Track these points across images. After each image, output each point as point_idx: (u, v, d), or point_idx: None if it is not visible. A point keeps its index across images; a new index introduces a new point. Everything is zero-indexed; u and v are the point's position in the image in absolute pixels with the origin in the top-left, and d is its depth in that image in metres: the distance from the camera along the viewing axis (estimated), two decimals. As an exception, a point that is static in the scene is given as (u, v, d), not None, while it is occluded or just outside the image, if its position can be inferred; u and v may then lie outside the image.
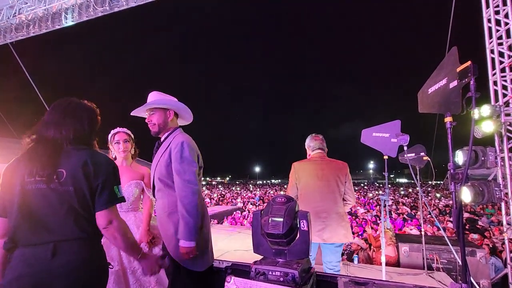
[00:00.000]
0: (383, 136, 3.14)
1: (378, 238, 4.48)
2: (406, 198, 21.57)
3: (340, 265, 2.70)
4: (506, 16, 4.10)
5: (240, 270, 1.95)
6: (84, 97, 1.44)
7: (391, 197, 19.01)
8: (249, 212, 12.02)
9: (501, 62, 4.11)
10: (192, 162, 1.78)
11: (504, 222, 3.98)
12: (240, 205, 15.89)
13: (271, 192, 30.03)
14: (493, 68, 4.16)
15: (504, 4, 4.14)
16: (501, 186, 3.63)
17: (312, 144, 2.84)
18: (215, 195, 23.94)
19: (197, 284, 1.80)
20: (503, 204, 3.90)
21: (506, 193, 3.79)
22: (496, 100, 4.09)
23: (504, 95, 4.04)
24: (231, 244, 4.35)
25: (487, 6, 4.28)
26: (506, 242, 3.92)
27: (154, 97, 1.95)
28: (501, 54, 4.14)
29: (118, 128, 2.39)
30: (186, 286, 1.79)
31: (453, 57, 1.75)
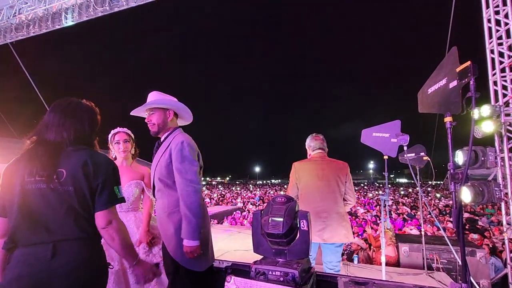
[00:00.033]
0: (383, 136, 3.14)
1: (378, 238, 4.48)
2: (406, 198, 21.57)
3: (340, 265, 2.70)
4: (506, 16, 4.10)
5: (240, 270, 1.95)
6: (84, 97, 1.44)
7: (391, 197, 19.01)
8: (249, 212, 12.02)
9: (501, 62, 4.11)
10: (193, 161, 1.78)
11: (504, 222, 3.98)
12: (240, 205, 15.89)
13: (271, 192, 30.03)
14: (493, 68, 4.16)
15: (504, 4, 4.14)
16: (501, 186, 3.63)
17: (313, 144, 2.84)
18: (215, 195, 23.94)
19: (197, 284, 1.80)
20: (503, 204, 3.90)
21: (506, 193, 3.79)
22: (496, 100, 4.09)
23: (504, 95, 4.04)
24: (231, 244, 4.35)
25: (487, 6, 4.28)
26: (506, 242, 3.92)
27: (154, 97, 1.95)
28: (501, 54, 4.14)
29: (118, 128, 2.39)
30: (186, 286, 1.79)
31: (453, 57, 1.75)
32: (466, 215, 9.45)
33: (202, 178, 1.90)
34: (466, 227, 7.25)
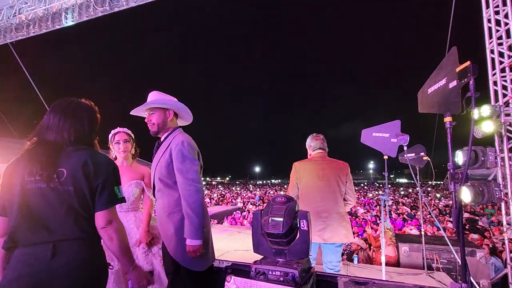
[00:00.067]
0: (383, 136, 3.14)
1: (378, 238, 4.48)
2: (406, 198, 21.57)
3: (340, 265, 2.70)
4: (506, 16, 4.11)
5: (240, 269, 1.95)
6: (84, 97, 1.44)
7: (391, 197, 19.02)
8: (249, 212, 12.02)
9: (501, 62, 4.11)
10: (194, 161, 1.79)
11: (504, 222, 3.98)
12: (240, 205, 15.89)
13: (271, 192, 30.03)
14: (493, 68, 4.16)
15: (504, 4, 4.14)
16: (501, 186, 3.63)
17: (313, 144, 2.84)
18: (215, 195, 23.94)
19: (197, 283, 1.80)
20: (503, 204, 3.90)
21: (506, 193, 3.79)
22: (496, 100, 4.09)
23: (504, 95, 4.04)
24: (231, 244, 4.35)
25: (487, 6, 4.28)
26: (506, 242, 3.92)
27: (154, 96, 1.95)
28: (501, 54, 4.14)
29: (118, 128, 2.39)
30: (186, 286, 1.79)
31: (453, 57, 1.75)
32: (466, 215, 9.45)
33: (202, 178, 1.90)
34: (466, 227, 7.25)
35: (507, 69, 4.07)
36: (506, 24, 4.10)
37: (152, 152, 1.98)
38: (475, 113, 1.65)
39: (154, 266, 2.14)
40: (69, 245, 1.18)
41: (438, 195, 22.96)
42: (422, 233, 3.94)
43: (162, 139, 1.93)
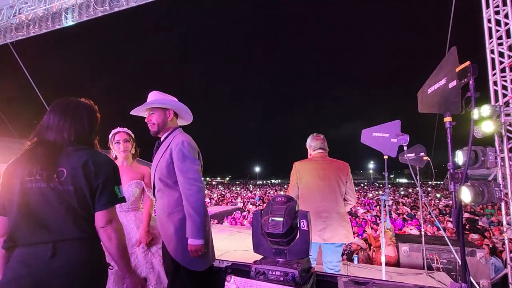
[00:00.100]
0: (383, 136, 3.15)
1: (378, 238, 4.48)
2: (406, 198, 21.57)
3: (340, 265, 2.70)
4: (506, 16, 4.10)
5: (240, 269, 1.95)
6: (84, 96, 1.44)
7: (391, 197, 19.02)
8: (249, 212, 12.02)
9: (501, 62, 4.11)
10: (195, 160, 1.79)
11: (504, 222, 3.98)
12: (240, 205, 15.90)
13: (271, 192, 30.03)
14: (493, 68, 4.16)
15: (504, 4, 4.14)
16: (501, 186, 3.63)
17: (313, 144, 2.84)
18: (215, 195, 23.94)
19: (197, 283, 1.80)
20: (503, 204, 3.90)
21: (506, 193, 3.79)
22: (496, 100, 4.09)
23: (504, 95, 4.04)
24: (231, 244, 4.36)
25: (487, 6, 4.28)
26: (506, 242, 3.92)
27: (154, 96, 1.95)
28: (501, 54, 4.14)
29: (118, 128, 2.39)
30: (186, 285, 1.79)
31: (453, 57, 1.75)
32: (466, 215, 9.45)
33: (202, 178, 1.90)
34: (466, 227, 7.25)
35: (507, 69, 4.07)
36: (506, 24, 4.10)
37: (152, 152, 1.98)
38: (475, 113, 1.65)
39: (154, 266, 2.14)
40: (68, 245, 1.18)
41: (438, 195, 22.97)
42: (422, 233, 3.94)
43: (162, 139, 1.93)
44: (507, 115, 3.93)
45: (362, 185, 58.96)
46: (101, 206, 1.25)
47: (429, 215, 9.11)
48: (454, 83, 1.70)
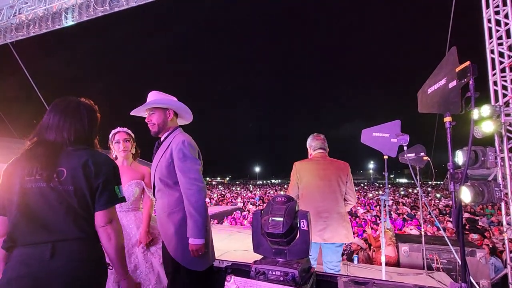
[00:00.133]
0: (383, 136, 3.15)
1: (378, 238, 4.48)
2: (406, 198, 21.58)
3: (340, 265, 2.70)
4: (506, 16, 4.10)
5: (240, 269, 1.95)
6: (84, 97, 1.44)
7: (391, 197, 19.02)
8: (249, 212, 12.02)
9: (501, 62, 4.11)
10: (195, 160, 1.79)
11: (504, 222, 3.98)
12: (240, 205, 15.90)
13: (271, 192, 30.03)
14: (493, 68, 4.16)
15: (504, 4, 4.14)
16: (501, 186, 3.63)
17: (314, 144, 2.84)
18: (215, 195, 23.94)
19: (197, 283, 1.80)
20: (503, 204, 3.90)
21: (506, 193, 3.79)
22: (496, 100, 4.09)
23: (504, 95, 4.04)
24: (231, 244, 4.36)
25: (487, 6, 4.28)
26: (506, 242, 3.92)
27: (153, 96, 1.95)
28: (501, 54, 4.14)
29: (118, 127, 2.40)
30: (185, 285, 1.79)
31: (453, 57, 1.75)
32: (466, 215, 9.45)
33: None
34: (466, 227, 7.25)
35: (507, 69, 4.07)
36: (506, 24, 4.10)
37: (152, 152, 1.98)
38: (475, 113, 1.64)
39: (153, 266, 2.14)
40: (68, 245, 1.18)
41: (438, 195, 22.98)
42: (422, 233, 3.94)
43: (162, 139, 1.93)
44: (507, 115, 3.93)
45: (362, 185, 58.98)
46: (101, 206, 1.25)
47: (429, 215, 9.11)
48: (454, 83, 1.70)
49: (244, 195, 25.07)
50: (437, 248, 3.81)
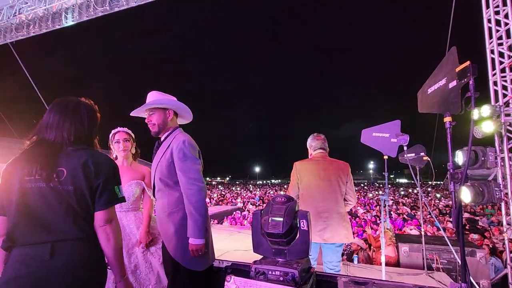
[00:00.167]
0: (383, 136, 3.14)
1: (378, 238, 4.48)
2: (406, 198, 21.58)
3: (340, 265, 2.70)
4: (506, 16, 4.10)
5: (240, 269, 1.95)
6: (84, 96, 1.44)
7: (391, 197, 19.02)
8: (249, 212, 12.02)
9: (501, 63, 4.11)
10: (196, 160, 1.79)
11: (504, 222, 3.98)
12: (240, 205, 15.90)
13: (271, 192, 30.03)
14: (493, 68, 4.16)
15: (504, 4, 4.14)
16: (501, 186, 3.63)
17: (314, 144, 2.84)
18: (215, 195, 23.94)
19: (197, 283, 1.80)
20: (503, 204, 3.90)
21: (506, 193, 3.79)
22: (496, 100, 4.09)
23: (504, 95, 4.04)
24: (231, 244, 4.36)
25: (487, 6, 4.28)
26: (506, 242, 3.92)
27: (153, 97, 1.95)
28: (501, 55, 4.13)
29: (118, 127, 2.40)
30: (185, 285, 1.79)
31: (453, 57, 1.75)
32: (466, 215, 9.45)
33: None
34: (466, 227, 7.25)
35: (507, 69, 4.07)
36: (506, 24, 4.10)
37: (152, 152, 1.98)
38: (475, 113, 1.64)
39: (153, 266, 2.14)
40: (67, 245, 1.17)
41: (438, 195, 22.98)
42: (422, 233, 3.94)
43: (162, 139, 1.93)
44: (507, 115, 3.93)
45: (362, 185, 59.00)
46: (101, 206, 1.25)
47: (429, 215, 9.11)
48: (454, 83, 1.70)
49: (244, 195, 25.08)
50: (437, 248, 3.81)
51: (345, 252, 5.17)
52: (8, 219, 1.19)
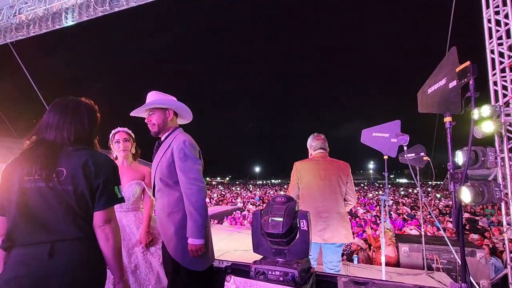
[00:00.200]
0: (383, 136, 3.14)
1: (378, 238, 4.48)
2: (406, 198, 21.58)
3: (340, 265, 2.70)
4: (506, 16, 4.10)
5: (240, 269, 1.95)
6: (84, 96, 1.44)
7: (391, 197, 19.02)
8: (249, 212, 12.02)
9: (501, 63, 4.11)
10: (196, 160, 1.79)
11: (504, 223, 3.98)
12: (240, 205, 15.90)
13: (271, 192, 30.03)
14: (493, 68, 4.16)
15: (504, 4, 4.14)
16: (501, 186, 3.63)
17: (314, 144, 2.84)
18: (215, 195, 23.94)
19: (196, 283, 1.80)
20: (503, 204, 3.90)
21: (506, 193, 3.79)
22: (496, 100, 4.09)
23: (504, 95, 4.04)
24: (231, 244, 4.36)
25: (487, 7, 4.28)
26: (506, 242, 3.92)
27: (153, 96, 1.95)
28: (501, 55, 4.13)
29: (118, 127, 2.40)
30: (185, 285, 1.79)
31: (453, 57, 1.75)
32: (466, 215, 9.45)
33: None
34: (466, 227, 7.25)
35: (507, 69, 4.07)
36: (506, 24, 4.10)
37: (152, 152, 1.98)
38: (475, 113, 1.64)
39: (153, 266, 2.14)
40: (67, 245, 1.17)
41: (438, 195, 22.99)
42: (422, 233, 3.94)
43: (162, 139, 1.93)
44: (507, 115, 3.93)
45: (362, 185, 59.00)
46: (100, 206, 1.25)
47: (429, 215, 9.11)
48: (454, 83, 1.70)
49: (244, 195, 25.08)
50: (437, 248, 3.81)
51: (345, 252, 5.17)
52: (7, 219, 1.19)
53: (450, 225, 7.78)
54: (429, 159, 3.47)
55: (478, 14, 4.37)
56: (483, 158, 3.53)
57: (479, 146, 3.61)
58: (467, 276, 1.56)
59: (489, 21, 4.25)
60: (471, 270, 2.73)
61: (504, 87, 4.06)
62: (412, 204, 16.12)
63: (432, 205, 15.04)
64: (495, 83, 4.12)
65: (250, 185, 57.26)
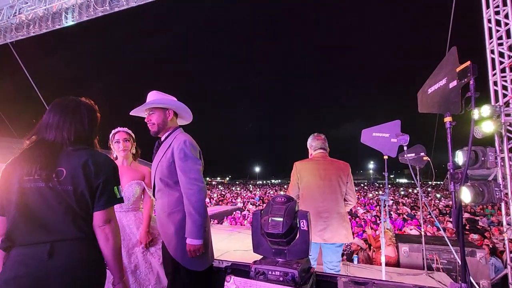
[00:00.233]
0: (383, 136, 3.14)
1: (378, 238, 4.48)
2: (406, 198, 21.59)
3: (340, 265, 2.70)
4: (506, 16, 4.10)
5: (240, 269, 1.95)
6: (84, 96, 1.44)
7: (391, 198, 19.02)
8: (249, 212, 12.02)
9: (501, 63, 4.11)
10: (196, 160, 1.79)
11: (504, 223, 3.98)
12: (240, 205, 15.90)
13: (271, 192, 30.04)
14: (493, 68, 4.16)
15: (504, 4, 4.14)
16: (501, 186, 3.63)
17: (314, 144, 2.84)
18: (215, 195, 23.94)
19: (196, 283, 1.80)
20: (503, 204, 3.89)
21: (506, 193, 3.79)
22: (496, 100, 4.09)
23: (504, 95, 4.04)
24: (231, 244, 4.35)
25: (487, 7, 4.28)
26: (506, 242, 3.92)
27: (153, 96, 1.95)
28: (501, 55, 4.13)
29: (118, 127, 2.40)
30: (185, 285, 1.79)
31: (453, 57, 1.75)
32: (466, 215, 9.45)
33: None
34: (466, 227, 7.24)
35: (507, 69, 4.07)
36: (506, 24, 4.10)
37: (152, 152, 1.98)
38: (475, 113, 1.64)
39: (153, 266, 2.14)
40: (67, 245, 1.17)
41: (438, 195, 22.99)
42: (422, 233, 3.94)
43: (162, 139, 1.93)
44: (507, 115, 3.93)
45: (362, 185, 59.02)
46: (100, 206, 1.25)
47: (429, 215, 9.11)
48: (454, 83, 1.70)
49: (244, 195, 25.09)
50: (437, 248, 3.81)
51: (345, 252, 5.17)
52: (7, 219, 1.19)
53: (450, 225, 7.78)
54: (429, 159, 3.47)
55: (478, 14, 4.37)
56: (483, 158, 3.53)
57: (479, 146, 3.61)
58: (467, 276, 1.56)
59: (489, 21, 4.25)
60: (471, 270, 2.73)
61: (504, 87, 4.06)
62: (412, 204, 16.13)
63: (432, 205, 15.05)
64: (495, 83, 4.12)
65: (250, 185, 57.29)
